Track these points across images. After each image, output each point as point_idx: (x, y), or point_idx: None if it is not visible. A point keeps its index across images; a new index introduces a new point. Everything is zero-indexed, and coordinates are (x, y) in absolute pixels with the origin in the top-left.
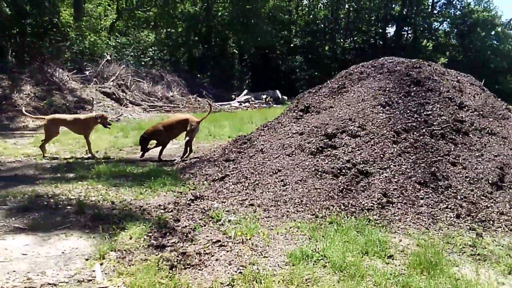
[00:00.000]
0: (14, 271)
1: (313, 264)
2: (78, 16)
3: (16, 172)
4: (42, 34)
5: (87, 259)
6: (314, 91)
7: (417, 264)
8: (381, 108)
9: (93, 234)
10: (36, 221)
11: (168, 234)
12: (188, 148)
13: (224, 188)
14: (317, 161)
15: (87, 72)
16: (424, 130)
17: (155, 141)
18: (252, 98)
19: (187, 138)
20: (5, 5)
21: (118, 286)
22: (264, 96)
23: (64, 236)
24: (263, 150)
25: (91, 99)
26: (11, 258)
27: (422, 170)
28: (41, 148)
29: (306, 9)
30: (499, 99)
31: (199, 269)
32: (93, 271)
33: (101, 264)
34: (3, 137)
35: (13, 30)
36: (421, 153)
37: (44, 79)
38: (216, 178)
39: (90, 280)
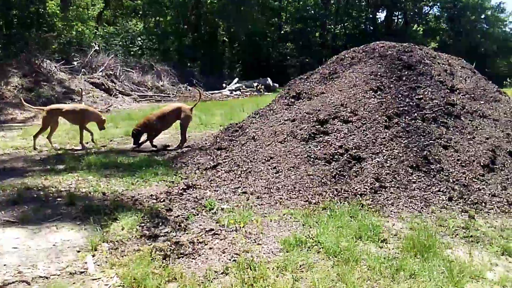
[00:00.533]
0: (4, 264)
1: (307, 250)
2: (65, 6)
3: (5, 165)
4: (29, 25)
5: (78, 251)
6: (305, 77)
7: (411, 248)
8: (372, 93)
9: (84, 226)
10: (26, 214)
11: (160, 224)
12: (183, 137)
13: (217, 177)
14: (310, 147)
15: (75, 63)
16: (416, 114)
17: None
18: (243, 86)
19: (183, 127)
20: None
21: (111, 278)
22: (255, 84)
23: (55, 228)
24: (255, 137)
25: (80, 90)
26: (1, 252)
27: (414, 154)
28: (34, 138)
29: None
30: (490, 82)
31: (193, 258)
32: (85, 263)
33: (93, 256)
34: None
35: None
36: (413, 137)
37: (31, 70)
38: (208, 166)
39: (83, 272)
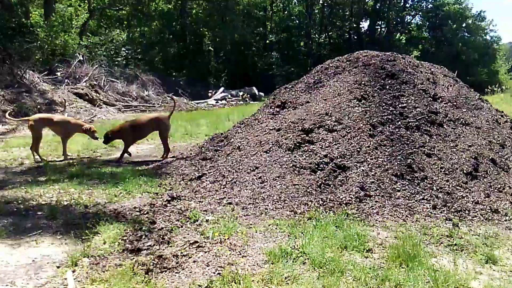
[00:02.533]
0: None
1: (293, 261)
2: (48, 16)
3: None
4: (11, 36)
5: (58, 267)
6: (290, 86)
7: (396, 257)
8: (357, 102)
9: (65, 240)
10: (5, 228)
11: (143, 237)
12: (166, 147)
13: (201, 188)
14: (295, 156)
15: (58, 73)
16: (399, 122)
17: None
18: (229, 96)
19: (163, 137)
20: None
21: None
22: (241, 93)
23: (35, 243)
24: (240, 147)
25: (63, 100)
26: None
27: (398, 162)
28: (33, 151)
29: (281, 5)
30: (472, 90)
31: (176, 272)
32: (65, 279)
33: (74, 272)
34: None
35: None
36: (397, 145)
37: (13, 81)
38: (193, 177)
39: None
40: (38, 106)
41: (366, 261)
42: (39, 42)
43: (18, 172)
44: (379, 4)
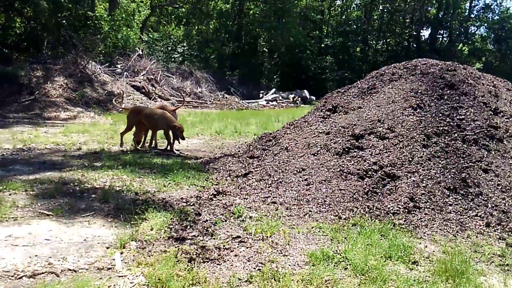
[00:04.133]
0: (36, 255)
1: (334, 265)
2: (112, 10)
3: (45, 160)
4: (77, 27)
5: (108, 248)
6: (343, 91)
7: (443, 272)
8: (412, 111)
9: (115, 223)
10: (61, 208)
11: (188, 227)
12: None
13: (247, 185)
14: (343, 161)
15: (118, 66)
16: (456, 134)
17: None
18: (280, 97)
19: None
20: None
21: (136, 276)
22: (292, 96)
23: (87, 223)
24: (288, 148)
25: (121, 92)
26: (34, 243)
27: (452, 175)
28: (121, 136)
29: (339, 10)
30: None
31: (218, 264)
32: (113, 259)
33: (121, 253)
34: (35, 125)
35: (49, 23)
36: (452, 158)
37: (77, 71)
38: (240, 174)
39: (110, 268)
40: (98, 96)
41: (410, 273)
42: (102, 35)
43: (76, 156)
44: (442, 13)
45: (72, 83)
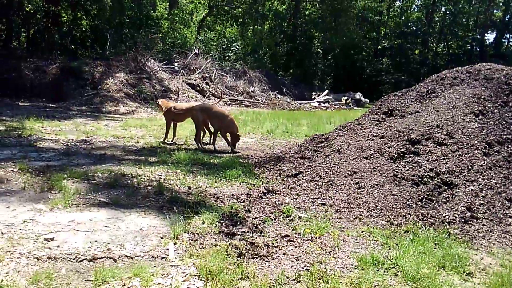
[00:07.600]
0: (96, 241)
1: (384, 271)
2: (172, 10)
3: (105, 152)
4: (139, 26)
5: (162, 238)
6: (400, 94)
7: (499, 285)
8: (473, 117)
9: (169, 215)
10: (119, 197)
11: (238, 223)
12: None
13: (297, 185)
14: (397, 166)
15: (175, 64)
16: None
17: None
18: (332, 99)
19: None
20: None
21: (188, 266)
22: (345, 98)
23: (143, 214)
24: (340, 150)
25: (178, 89)
26: (94, 229)
27: None
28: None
29: (399, 11)
30: None
31: (266, 261)
32: (167, 249)
33: (175, 244)
34: (96, 119)
35: (113, 21)
36: None
37: (136, 68)
38: (290, 174)
39: (164, 257)
40: (155, 92)
41: (465, 284)
42: (162, 34)
43: (134, 149)
44: (508, 16)
45: (131, 79)
